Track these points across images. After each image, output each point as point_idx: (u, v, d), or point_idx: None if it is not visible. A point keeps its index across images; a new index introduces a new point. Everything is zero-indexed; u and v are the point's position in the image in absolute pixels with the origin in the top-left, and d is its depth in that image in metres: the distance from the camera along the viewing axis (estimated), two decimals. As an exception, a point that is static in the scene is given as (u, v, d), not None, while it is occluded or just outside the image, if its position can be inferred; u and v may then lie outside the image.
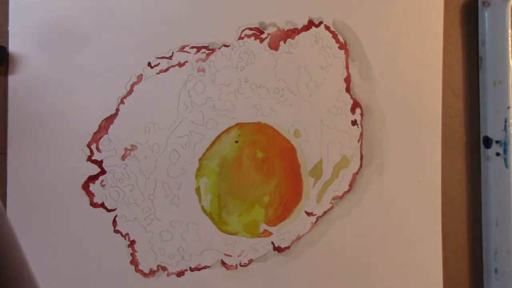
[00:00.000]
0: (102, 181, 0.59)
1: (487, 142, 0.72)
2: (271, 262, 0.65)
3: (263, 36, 0.64)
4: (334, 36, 0.66)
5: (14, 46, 0.56)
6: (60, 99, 0.58)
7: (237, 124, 0.63)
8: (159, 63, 0.60)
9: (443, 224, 0.71)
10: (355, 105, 0.67)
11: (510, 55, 0.70)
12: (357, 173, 0.68)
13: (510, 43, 0.70)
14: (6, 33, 0.56)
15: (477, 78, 0.73)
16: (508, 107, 0.70)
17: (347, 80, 0.67)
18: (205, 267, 0.63)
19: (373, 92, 0.68)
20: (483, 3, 0.72)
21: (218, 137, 0.62)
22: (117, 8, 0.59)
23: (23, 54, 0.56)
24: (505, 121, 0.70)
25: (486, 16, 0.72)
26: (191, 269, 0.63)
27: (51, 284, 0.58)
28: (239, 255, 0.64)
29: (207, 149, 0.62)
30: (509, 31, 0.70)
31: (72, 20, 0.58)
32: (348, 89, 0.67)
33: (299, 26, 0.65)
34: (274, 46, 0.64)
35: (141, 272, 0.61)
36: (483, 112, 0.73)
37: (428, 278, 0.70)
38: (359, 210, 0.68)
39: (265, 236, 0.65)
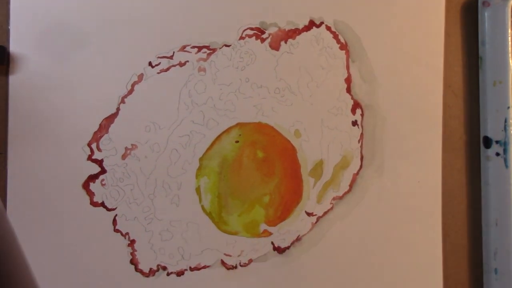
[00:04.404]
0: (102, 180, 0.59)
1: (487, 142, 0.72)
2: (271, 262, 0.65)
3: (264, 36, 0.64)
4: (335, 36, 0.66)
5: (14, 46, 0.56)
6: (60, 98, 0.58)
7: (237, 124, 0.63)
8: (160, 63, 0.60)
9: (443, 224, 0.71)
10: (356, 105, 0.67)
11: (510, 55, 0.70)
12: (357, 173, 0.68)
13: (510, 43, 0.71)
14: (6, 32, 0.56)
15: (477, 78, 0.73)
16: (508, 107, 0.70)
17: (348, 80, 0.67)
18: (205, 267, 0.63)
19: (373, 92, 0.68)
20: (483, 3, 0.72)
21: (218, 137, 0.62)
22: (118, 7, 0.59)
23: (23, 53, 0.56)
24: (505, 121, 0.71)
25: (486, 16, 0.72)
26: (191, 269, 0.63)
27: (51, 284, 0.58)
28: (239, 255, 0.64)
29: (208, 149, 0.62)
30: (509, 31, 0.71)
31: (73, 19, 0.58)
32: (348, 90, 0.67)
33: (300, 27, 0.65)
34: (275, 46, 0.64)
35: (141, 271, 0.61)
36: (483, 112, 0.73)
37: (428, 278, 0.70)
38: (359, 211, 0.68)
39: (265, 236, 0.65)
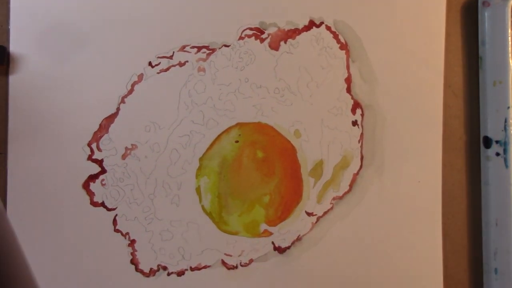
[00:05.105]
0: (103, 180, 0.59)
1: (487, 142, 0.72)
2: (272, 262, 0.65)
3: (263, 36, 0.64)
4: (335, 36, 0.66)
5: (14, 46, 0.56)
6: (60, 98, 0.58)
7: (237, 124, 0.63)
8: (159, 63, 0.60)
9: (443, 224, 0.71)
10: (356, 105, 0.67)
11: (510, 55, 0.70)
12: (357, 173, 0.68)
13: (510, 43, 0.70)
14: (6, 32, 0.56)
15: (477, 78, 0.73)
16: (508, 107, 0.70)
17: (348, 80, 0.67)
18: (205, 267, 0.63)
19: (373, 92, 0.68)
20: (483, 3, 0.72)
21: (218, 137, 0.63)
22: (118, 7, 0.59)
23: (23, 53, 0.56)
24: (505, 121, 0.70)
25: (486, 16, 0.72)
26: (192, 269, 0.63)
27: (51, 284, 0.58)
28: (239, 255, 0.64)
29: (208, 149, 0.62)
30: (509, 31, 0.71)
31: (73, 19, 0.58)
32: (349, 90, 0.67)
33: (300, 26, 0.65)
34: (274, 46, 0.64)
35: (142, 271, 0.61)
36: (483, 112, 0.73)
37: (428, 278, 0.70)
38: (360, 211, 0.68)
39: (265, 236, 0.65)
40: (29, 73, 0.57)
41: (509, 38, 0.70)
